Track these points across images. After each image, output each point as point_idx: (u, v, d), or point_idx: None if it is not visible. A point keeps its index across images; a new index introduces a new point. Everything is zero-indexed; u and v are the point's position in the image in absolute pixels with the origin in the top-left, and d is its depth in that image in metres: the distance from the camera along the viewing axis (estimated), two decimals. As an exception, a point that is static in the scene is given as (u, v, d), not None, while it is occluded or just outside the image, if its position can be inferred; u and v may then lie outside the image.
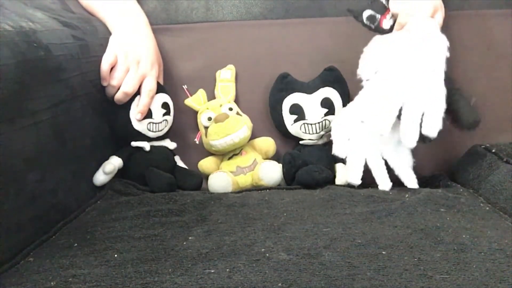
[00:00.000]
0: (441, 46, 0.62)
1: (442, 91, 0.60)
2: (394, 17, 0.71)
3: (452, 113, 0.65)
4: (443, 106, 0.59)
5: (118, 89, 0.72)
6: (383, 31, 0.72)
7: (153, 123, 0.76)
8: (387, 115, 0.59)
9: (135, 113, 0.73)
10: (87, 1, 0.78)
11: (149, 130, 0.76)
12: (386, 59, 0.64)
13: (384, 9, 0.72)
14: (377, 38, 0.69)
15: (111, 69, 0.72)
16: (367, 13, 0.72)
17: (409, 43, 0.63)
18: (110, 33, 0.76)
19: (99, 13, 0.78)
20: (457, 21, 0.77)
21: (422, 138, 0.60)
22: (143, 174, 0.74)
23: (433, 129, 0.59)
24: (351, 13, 0.73)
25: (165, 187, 0.71)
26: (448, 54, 0.62)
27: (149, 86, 0.74)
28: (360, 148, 0.70)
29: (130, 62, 0.72)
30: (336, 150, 0.72)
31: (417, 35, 0.63)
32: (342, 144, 0.71)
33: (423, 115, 0.59)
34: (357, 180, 0.69)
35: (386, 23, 0.72)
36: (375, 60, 0.66)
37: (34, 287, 0.43)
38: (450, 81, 0.64)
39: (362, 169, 0.69)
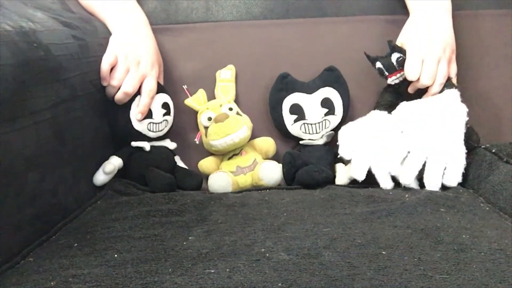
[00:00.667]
0: (461, 112, 0.69)
1: (463, 149, 0.67)
2: (403, 77, 0.74)
3: None
4: (463, 162, 0.67)
5: (118, 89, 0.72)
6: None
7: (153, 123, 0.76)
8: (413, 169, 0.66)
9: (135, 113, 0.73)
10: (87, 1, 0.78)
11: (149, 130, 0.76)
12: (414, 119, 0.71)
13: (393, 69, 0.74)
14: (404, 104, 0.74)
15: (111, 69, 0.72)
16: (378, 64, 0.75)
17: (435, 109, 0.70)
18: (110, 33, 0.76)
19: (99, 13, 0.78)
20: (457, 21, 0.77)
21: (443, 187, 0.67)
22: (143, 174, 0.74)
23: (453, 180, 0.66)
24: (368, 58, 0.77)
25: (165, 187, 0.71)
26: (467, 119, 0.69)
27: (149, 86, 0.74)
28: (365, 147, 0.70)
29: (130, 62, 0.72)
30: (342, 151, 0.72)
31: (442, 103, 0.71)
32: (348, 146, 0.72)
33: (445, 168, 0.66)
34: (361, 176, 0.68)
35: (391, 81, 0.75)
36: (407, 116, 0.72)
37: (34, 287, 0.43)
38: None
39: (367, 165, 0.68)
